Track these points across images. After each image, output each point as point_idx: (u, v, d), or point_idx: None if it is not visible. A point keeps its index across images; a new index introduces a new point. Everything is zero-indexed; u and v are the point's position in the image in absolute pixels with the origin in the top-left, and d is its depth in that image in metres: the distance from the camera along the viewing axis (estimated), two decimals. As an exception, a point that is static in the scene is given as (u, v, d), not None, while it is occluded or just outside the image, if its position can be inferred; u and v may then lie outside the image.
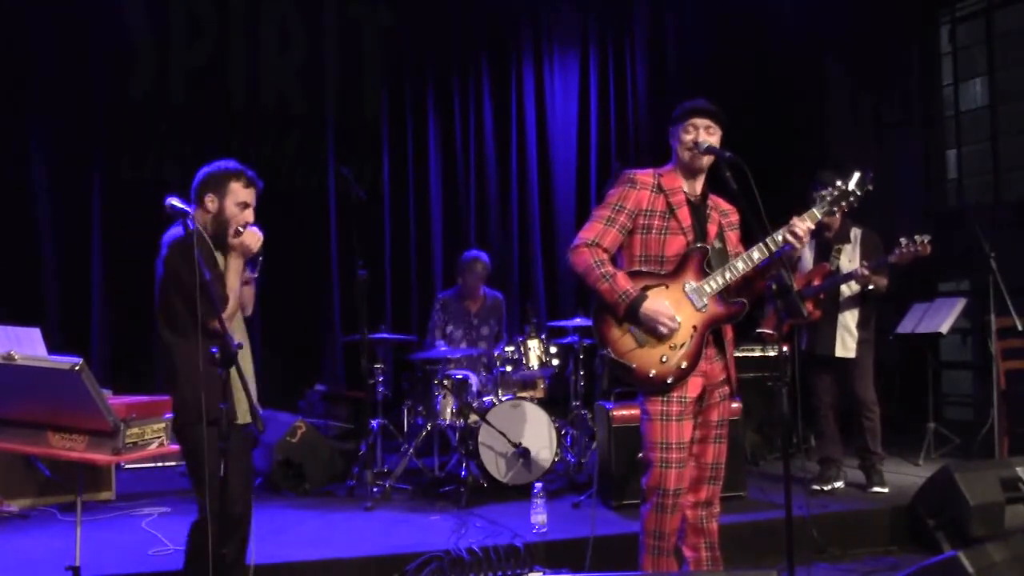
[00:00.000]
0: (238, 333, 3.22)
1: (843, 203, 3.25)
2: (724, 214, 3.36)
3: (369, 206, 6.77)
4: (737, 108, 6.91)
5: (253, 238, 3.15)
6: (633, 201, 3.21)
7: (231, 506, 3.12)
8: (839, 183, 3.25)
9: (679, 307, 3.14)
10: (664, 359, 3.12)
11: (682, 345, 3.13)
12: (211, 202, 3.16)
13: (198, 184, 3.20)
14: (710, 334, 3.20)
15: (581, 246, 3.21)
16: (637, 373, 3.13)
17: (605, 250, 3.20)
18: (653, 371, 3.12)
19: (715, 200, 3.36)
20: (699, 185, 3.30)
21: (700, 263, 3.19)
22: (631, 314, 3.11)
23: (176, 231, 3.09)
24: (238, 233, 3.14)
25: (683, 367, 3.13)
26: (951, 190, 7.81)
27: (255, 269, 3.30)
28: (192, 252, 2.94)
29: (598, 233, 3.21)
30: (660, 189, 3.23)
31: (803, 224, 3.14)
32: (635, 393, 3.32)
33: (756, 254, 3.16)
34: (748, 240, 3.26)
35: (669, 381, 3.12)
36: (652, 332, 3.11)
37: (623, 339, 3.14)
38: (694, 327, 3.15)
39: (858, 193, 3.25)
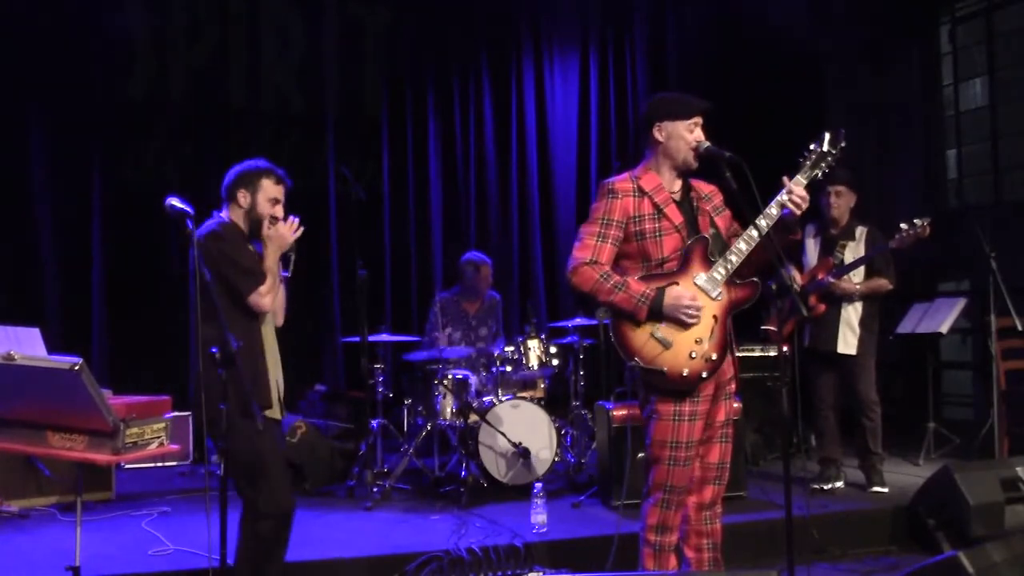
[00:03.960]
0: (269, 336, 3.35)
1: (823, 164, 3.24)
2: (707, 199, 3.32)
3: (369, 206, 6.77)
4: (737, 108, 7.02)
5: (287, 228, 3.28)
6: (619, 211, 3.18)
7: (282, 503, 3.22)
8: (813, 147, 3.25)
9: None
10: (693, 355, 3.09)
11: (707, 338, 3.11)
12: (243, 198, 3.30)
13: (231, 182, 3.34)
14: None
15: (581, 266, 3.16)
16: (670, 376, 3.09)
17: (604, 265, 3.17)
18: (686, 370, 3.09)
19: (696, 187, 3.33)
20: (679, 182, 3.28)
21: (704, 254, 3.17)
22: (655, 313, 3.08)
23: (206, 227, 3.24)
24: (273, 222, 3.28)
25: (713, 358, 3.11)
26: (951, 190, 7.81)
27: (287, 268, 3.40)
28: (227, 237, 3.18)
29: (594, 250, 3.17)
30: (641, 192, 3.20)
31: (799, 189, 3.13)
32: (636, 393, 3.31)
33: (755, 232, 3.13)
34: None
35: (704, 375, 3.10)
36: (679, 322, 3.08)
37: (647, 346, 3.11)
38: (714, 317, 3.14)
39: (833, 152, 3.25)
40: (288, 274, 3.41)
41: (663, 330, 3.10)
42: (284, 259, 3.36)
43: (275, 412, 3.30)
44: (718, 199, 3.34)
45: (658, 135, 3.22)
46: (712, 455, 3.24)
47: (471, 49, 7.76)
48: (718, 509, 3.31)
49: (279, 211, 3.33)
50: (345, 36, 7.36)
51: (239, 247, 3.23)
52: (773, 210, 3.13)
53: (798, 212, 3.13)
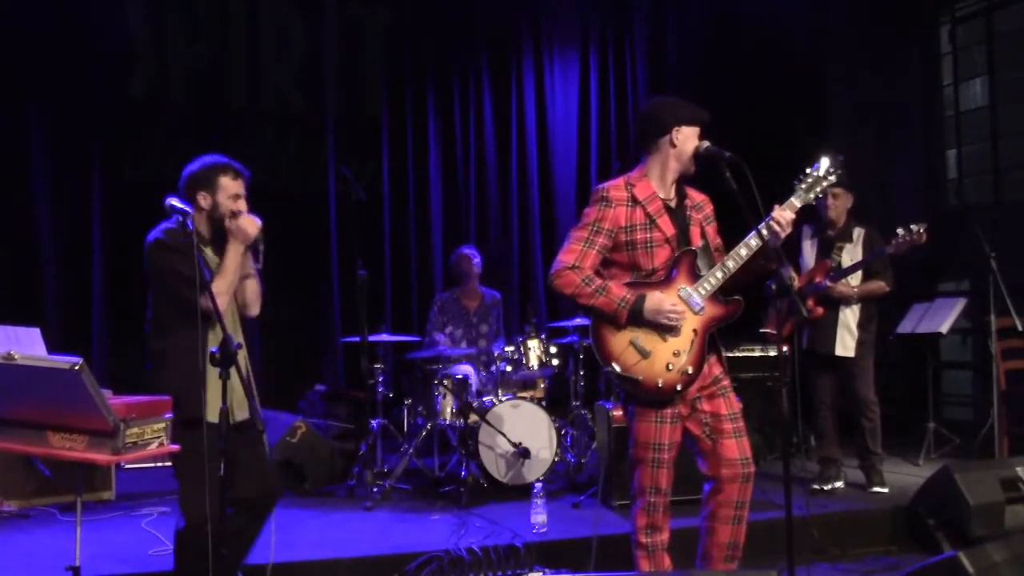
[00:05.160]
0: (234, 331, 3.23)
1: (817, 188, 3.26)
2: (699, 208, 3.32)
3: (369, 206, 6.76)
4: (737, 108, 7.02)
5: (249, 222, 3.17)
6: (610, 221, 3.18)
7: (254, 493, 3.23)
8: (808, 171, 3.27)
9: None
10: (670, 367, 3.09)
11: (686, 351, 3.11)
12: (204, 199, 3.19)
13: (187, 183, 3.22)
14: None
15: (564, 269, 3.16)
16: (645, 386, 3.10)
17: (586, 270, 3.16)
18: (661, 381, 3.09)
19: (689, 195, 3.33)
20: (674, 188, 3.27)
21: (691, 266, 3.18)
22: (635, 316, 3.08)
23: (153, 234, 3.14)
24: (234, 216, 3.17)
25: (689, 372, 3.11)
26: (951, 190, 7.81)
27: (258, 259, 3.30)
28: (173, 246, 3.04)
29: (578, 255, 3.17)
30: (635, 201, 3.19)
31: (784, 214, 3.14)
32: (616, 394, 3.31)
33: (744, 251, 3.15)
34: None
35: (678, 388, 3.10)
36: (660, 328, 3.08)
37: (626, 353, 3.11)
38: (694, 331, 3.14)
39: (830, 178, 3.27)
40: (260, 265, 3.32)
41: (643, 339, 3.10)
42: (254, 251, 3.26)
43: (243, 412, 3.17)
44: (709, 209, 3.36)
45: (676, 138, 3.21)
46: (729, 450, 3.18)
47: (471, 49, 7.76)
48: (744, 511, 3.22)
49: (242, 205, 3.22)
50: (345, 36, 7.37)
51: (185, 257, 3.01)
52: (765, 231, 3.12)
53: (783, 235, 3.13)
